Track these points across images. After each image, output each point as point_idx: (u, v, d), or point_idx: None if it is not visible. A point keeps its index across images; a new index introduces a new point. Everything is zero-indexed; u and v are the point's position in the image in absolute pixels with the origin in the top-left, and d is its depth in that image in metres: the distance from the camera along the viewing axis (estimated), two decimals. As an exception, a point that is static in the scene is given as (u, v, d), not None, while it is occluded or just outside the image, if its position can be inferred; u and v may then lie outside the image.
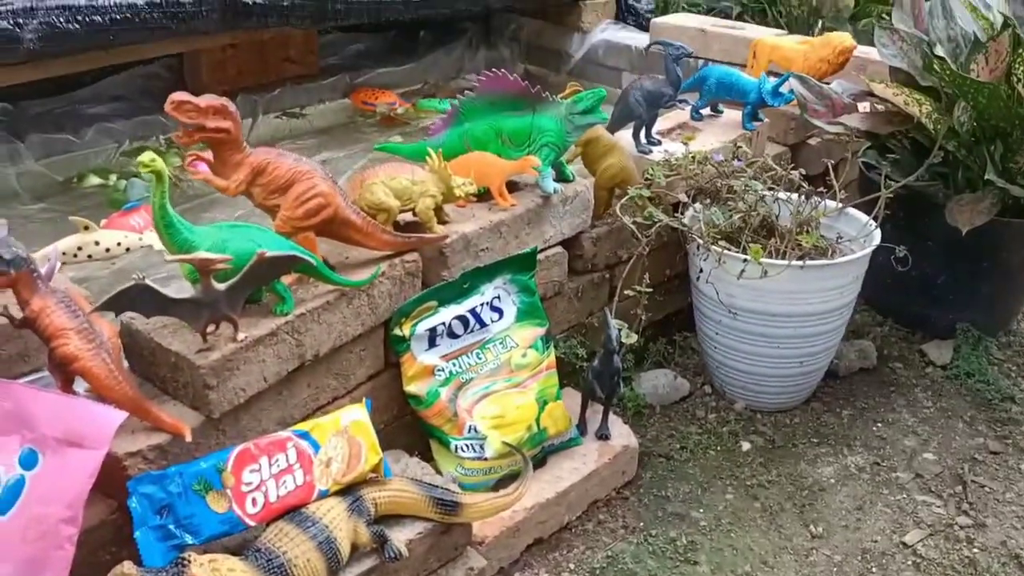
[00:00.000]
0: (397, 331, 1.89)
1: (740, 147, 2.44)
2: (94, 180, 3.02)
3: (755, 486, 2.13)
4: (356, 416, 1.67)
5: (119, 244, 2.42)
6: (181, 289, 1.58)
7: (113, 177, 3.02)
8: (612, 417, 2.10)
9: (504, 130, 2.11)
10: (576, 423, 2.06)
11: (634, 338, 2.05)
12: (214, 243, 1.58)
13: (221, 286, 1.54)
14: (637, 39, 3.84)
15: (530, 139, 2.10)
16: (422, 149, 2.05)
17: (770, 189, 2.29)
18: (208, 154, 1.72)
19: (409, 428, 1.98)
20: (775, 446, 2.26)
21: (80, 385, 1.54)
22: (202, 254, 1.53)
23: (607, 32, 3.99)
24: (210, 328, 1.56)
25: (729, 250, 2.15)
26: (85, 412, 1.43)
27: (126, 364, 1.62)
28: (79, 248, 2.37)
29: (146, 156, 1.50)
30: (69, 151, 3.19)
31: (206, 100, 1.64)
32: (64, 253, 2.31)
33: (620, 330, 2.02)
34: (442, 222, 1.95)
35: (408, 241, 1.87)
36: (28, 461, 1.42)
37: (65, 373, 1.50)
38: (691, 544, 1.96)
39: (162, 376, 1.62)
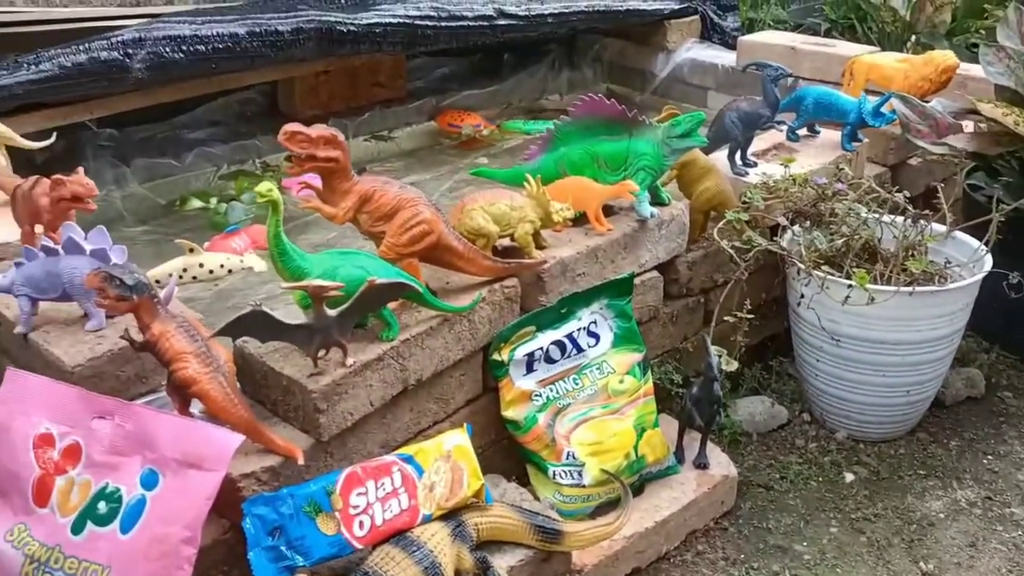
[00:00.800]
0: (496, 356, 1.90)
1: (842, 168, 2.38)
2: (196, 203, 3.12)
3: (860, 519, 2.06)
4: (458, 441, 1.68)
5: (222, 266, 2.50)
6: (293, 315, 1.62)
7: (214, 200, 3.12)
8: (710, 445, 2.06)
9: (600, 154, 2.10)
10: (673, 451, 2.03)
11: (734, 365, 2.01)
12: (325, 270, 1.62)
13: (333, 312, 1.57)
14: (723, 57, 3.80)
15: (626, 163, 2.08)
16: (518, 174, 2.06)
17: (874, 212, 2.23)
18: (309, 178, 1.76)
19: (506, 453, 1.98)
20: (880, 478, 2.18)
21: (195, 407, 1.58)
22: (316, 281, 1.56)
23: (692, 51, 3.95)
24: (321, 353, 1.59)
25: (832, 275, 2.10)
26: (204, 434, 1.47)
27: (239, 387, 1.66)
28: (184, 270, 2.46)
29: (263, 186, 1.55)
30: (171, 175, 3.30)
31: (317, 130, 1.68)
32: (171, 274, 2.40)
33: (720, 357, 1.99)
34: (539, 247, 1.96)
35: (507, 267, 1.88)
36: (149, 481, 1.47)
37: (183, 396, 1.54)
38: (794, 578, 1.91)
39: (273, 399, 1.66)
